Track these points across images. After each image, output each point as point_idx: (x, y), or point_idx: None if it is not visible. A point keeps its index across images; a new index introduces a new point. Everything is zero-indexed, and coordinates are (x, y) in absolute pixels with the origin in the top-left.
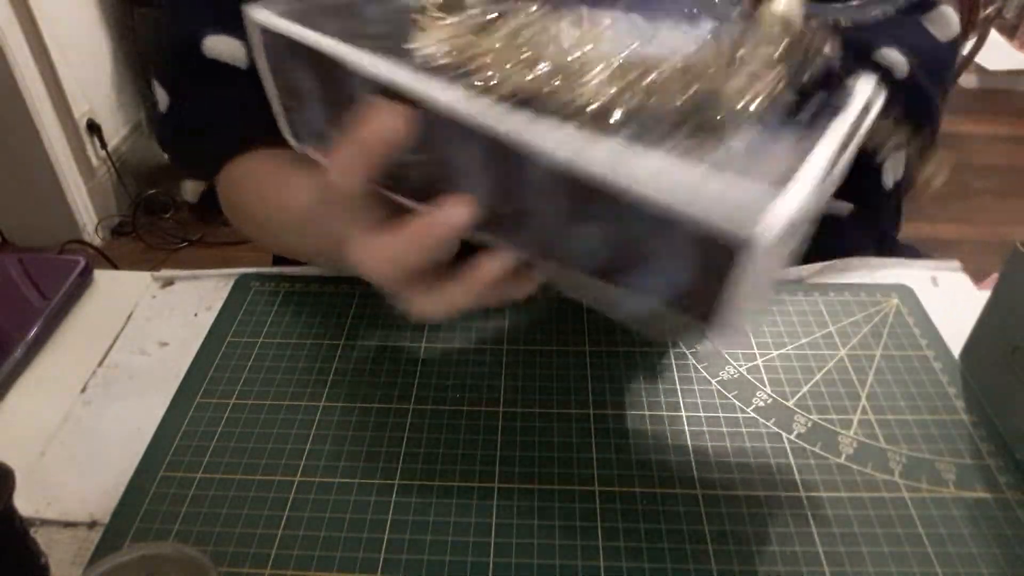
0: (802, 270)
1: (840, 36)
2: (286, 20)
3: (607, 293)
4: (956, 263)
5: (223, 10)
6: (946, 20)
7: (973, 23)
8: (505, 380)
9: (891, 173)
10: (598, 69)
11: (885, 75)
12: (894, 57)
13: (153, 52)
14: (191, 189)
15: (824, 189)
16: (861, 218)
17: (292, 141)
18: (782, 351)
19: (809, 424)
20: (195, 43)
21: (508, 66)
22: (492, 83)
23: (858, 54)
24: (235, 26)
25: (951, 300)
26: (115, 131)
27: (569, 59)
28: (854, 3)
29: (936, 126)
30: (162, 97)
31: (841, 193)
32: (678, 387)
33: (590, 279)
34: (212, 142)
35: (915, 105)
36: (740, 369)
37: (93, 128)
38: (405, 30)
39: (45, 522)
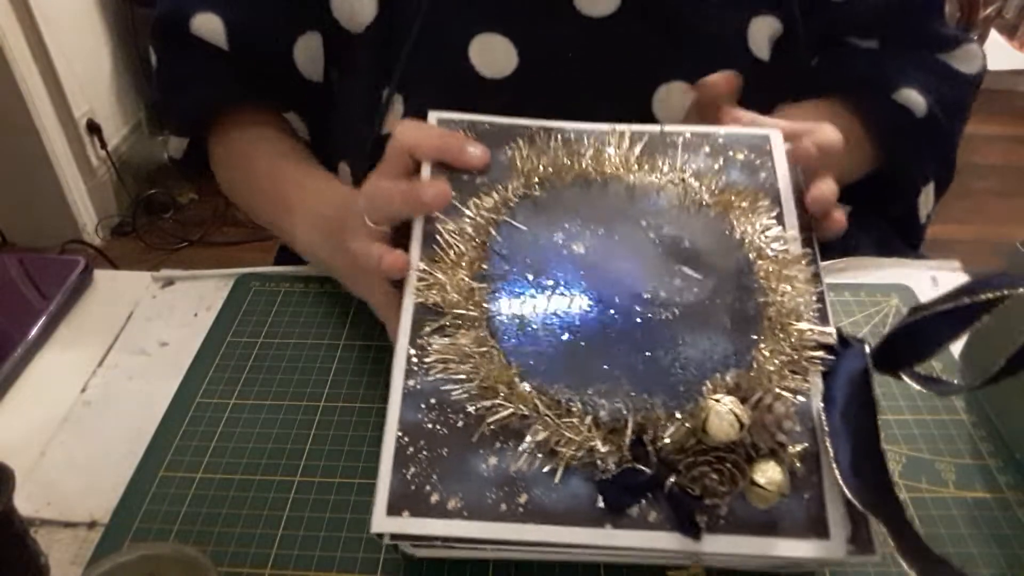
0: None
1: (861, 76)
2: None
3: None
4: (956, 263)
5: None
6: (971, 56)
7: (973, 23)
8: None
9: (924, 207)
10: None
11: (905, 114)
12: (914, 98)
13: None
14: (174, 145)
15: None
16: (869, 224)
17: None
18: None
19: None
20: (183, 18)
21: None
22: None
23: (878, 92)
24: (219, 3)
25: None
26: (115, 131)
27: None
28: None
29: (953, 160)
30: (153, 57)
31: (878, 224)
32: None
33: None
34: (190, 100)
35: (933, 141)
36: None
37: (93, 128)
38: None
39: (45, 522)
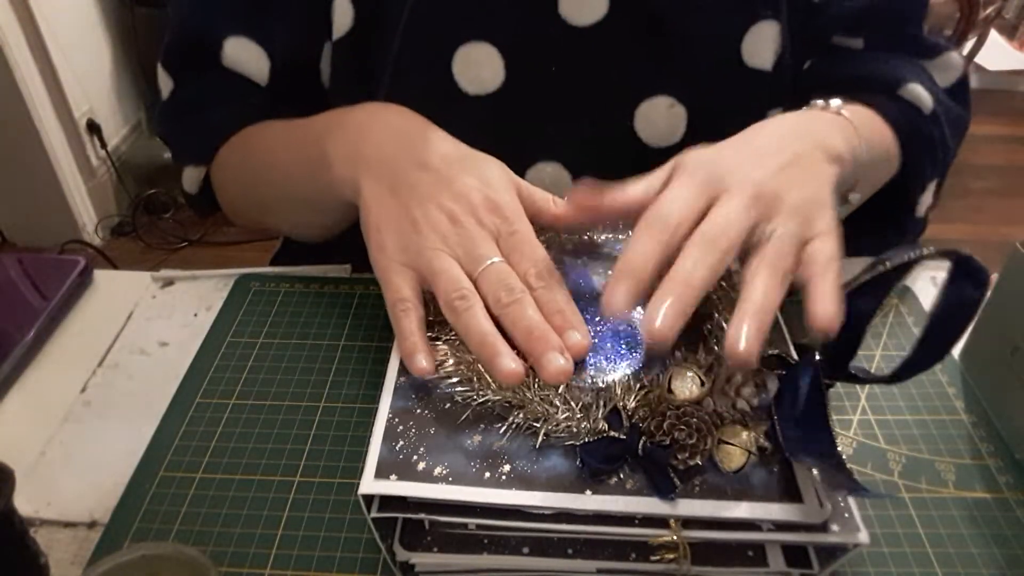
0: None
1: (861, 75)
2: None
3: None
4: None
5: (247, 2)
6: (950, 65)
7: (973, 23)
8: None
9: (924, 204)
10: None
11: (914, 110)
12: (920, 93)
13: (162, 38)
14: (190, 178)
15: None
16: (879, 233)
17: None
18: None
19: None
20: (214, 41)
21: None
22: None
23: (884, 89)
24: (257, 24)
25: None
26: (115, 131)
27: None
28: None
29: (950, 160)
30: (166, 84)
31: (873, 221)
32: None
33: None
34: (212, 118)
35: (941, 138)
36: None
37: (93, 128)
38: None
39: (45, 522)
